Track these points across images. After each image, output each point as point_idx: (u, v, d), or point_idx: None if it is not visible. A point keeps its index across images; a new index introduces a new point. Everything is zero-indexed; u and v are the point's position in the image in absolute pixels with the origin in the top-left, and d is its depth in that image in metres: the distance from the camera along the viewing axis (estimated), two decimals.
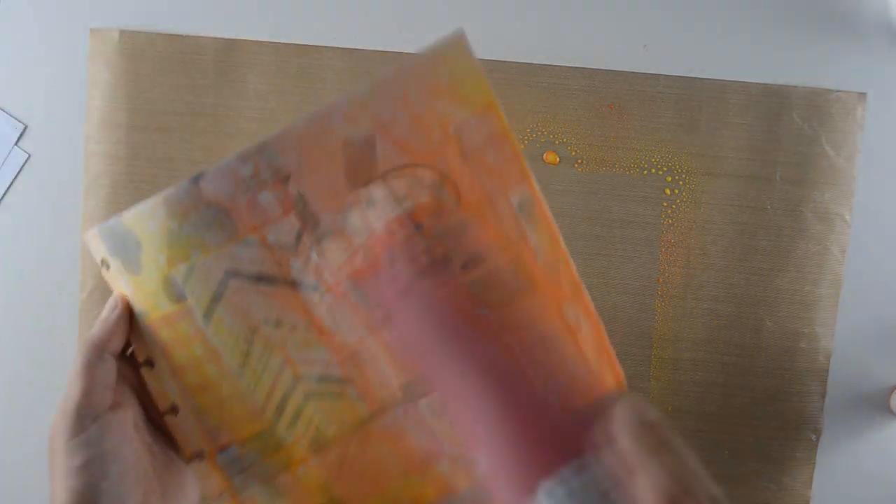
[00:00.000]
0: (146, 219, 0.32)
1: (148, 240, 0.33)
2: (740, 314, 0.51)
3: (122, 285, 0.33)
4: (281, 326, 0.34)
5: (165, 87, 0.50)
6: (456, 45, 0.33)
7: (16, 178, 0.51)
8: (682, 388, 0.51)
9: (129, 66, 0.50)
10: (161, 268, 0.33)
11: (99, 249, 0.33)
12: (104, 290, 0.50)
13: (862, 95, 0.50)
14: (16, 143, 0.51)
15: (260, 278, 0.33)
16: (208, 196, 0.32)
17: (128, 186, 0.50)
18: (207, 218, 0.32)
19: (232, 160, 0.32)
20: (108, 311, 0.33)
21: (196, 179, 0.32)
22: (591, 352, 0.37)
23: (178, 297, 0.33)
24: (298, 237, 0.33)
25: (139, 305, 0.33)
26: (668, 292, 0.51)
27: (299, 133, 0.32)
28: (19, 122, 0.51)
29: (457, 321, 0.34)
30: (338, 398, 0.35)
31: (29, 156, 0.51)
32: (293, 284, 0.33)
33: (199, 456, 0.34)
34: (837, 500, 0.53)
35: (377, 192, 0.33)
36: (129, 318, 0.33)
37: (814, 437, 0.52)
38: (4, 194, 0.51)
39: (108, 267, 0.34)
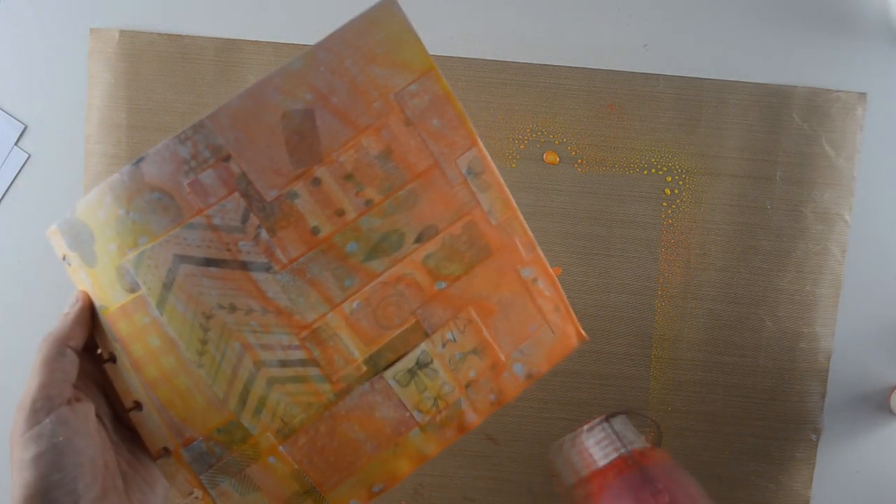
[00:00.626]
0: (95, 207, 0.32)
1: (99, 229, 0.32)
2: (740, 314, 0.51)
3: (83, 279, 0.33)
4: (236, 311, 0.33)
5: (165, 87, 0.50)
6: (387, 10, 0.33)
7: (16, 178, 0.51)
8: (682, 388, 0.51)
9: (129, 66, 0.50)
10: (112, 257, 0.33)
11: (60, 245, 0.33)
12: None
13: (862, 95, 0.50)
14: (16, 143, 0.51)
15: (209, 262, 0.33)
16: (151, 179, 0.32)
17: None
18: (152, 202, 0.32)
19: (170, 141, 0.32)
20: (69, 306, 0.33)
21: (137, 163, 0.32)
22: (550, 311, 0.37)
23: (131, 287, 0.33)
24: (245, 217, 0.33)
25: (98, 299, 0.33)
26: (668, 292, 0.51)
27: (236, 109, 0.32)
28: (19, 122, 0.51)
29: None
30: (301, 382, 0.34)
31: (29, 156, 0.51)
32: (243, 265, 0.33)
33: (165, 452, 0.34)
34: (837, 500, 0.53)
35: (323, 171, 0.33)
36: (90, 312, 0.33)
37: (814, 437, 0.52)
38: (4, 194, 0.51)
39: (69, 262, 0.33)
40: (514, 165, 0.50)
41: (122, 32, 0.50)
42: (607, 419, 0.31)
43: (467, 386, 0.36)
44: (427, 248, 0.34)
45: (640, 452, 0.29)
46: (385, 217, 0.34)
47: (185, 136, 0.32)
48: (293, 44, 0.50)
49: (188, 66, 0.50)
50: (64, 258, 0.34)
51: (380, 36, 0.33)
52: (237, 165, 0.32)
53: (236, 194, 0.32)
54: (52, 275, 0.51)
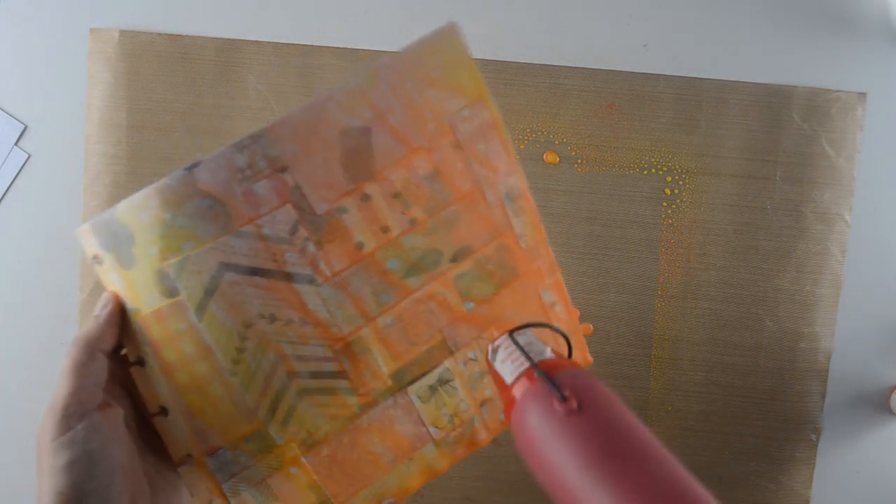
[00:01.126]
0: (139, 210, 0.32)
1: (140, 232, 0.32)
2: (740, 314, 0.51)
3: (114, 281, 0.33)
4: (275, 321, 0.33)
5: (165, 87, 0.50)
6: (448, 37, 0.33)
7: (16, 178, 0.51)
8: (682, 388, 0.51)
9: (129, 66, 0.50)
10: (153, 261, 0.32)
11: (91, 245, 0.33)
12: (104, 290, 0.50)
13: (862, 95, 0.50)
14: (16, 143, 0.51)
15: (254, 271, 0.33)
16: (203, 186, 0.32)
17: (128, 186, 0.50)
18: (202, 208, 0.32)
19: (228, 150, 0.32)
20: (99, 309, 0.33)
21: (191, 169, 0.31)
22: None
23: (170, 292, 0.32)
24: (294, 228, 0.33)
25: (131, 302, 0.33)
26: (668, 292, 0.51)
27: (296, 122, 0.32)
28: (19, 122, 0.51)
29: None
30: (330, 394, 0.35)
31: (29, 156, 0.51)
32: (288, 277, 0.33)
33: (188, 459, 0.34)
34: (837, 500, 0.53)
35: (374, 188, 0.33)
36: (121, 315, 0.33)
37: (814, 437, 0.52)
38: (4, 194, 0.51)
39: (100, 262, 0.33)
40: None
41: (122, 32, 0.50)
42: (510, 335, 0.31)
43: (482, 404, 0.37)
44: (460, 267, 0.35)
45: (545, 363, 0.29)
46: (427, 236, 0.34)
47: (243, 145, 0.32)
48: (293, 44, 0.50)
49: (188, 66, 0.50)
50: (94, 258, 0.33)
51: (440, 60, 0.33)
52: (292, 177, 0.32)
53: (288, 206, 0.33)
54: (52, 275, 0.51)
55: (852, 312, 0.52)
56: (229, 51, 0.50)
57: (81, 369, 0.31)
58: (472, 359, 0.36)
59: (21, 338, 0.52)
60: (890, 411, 0.52)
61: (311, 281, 0.33)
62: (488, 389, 0.37)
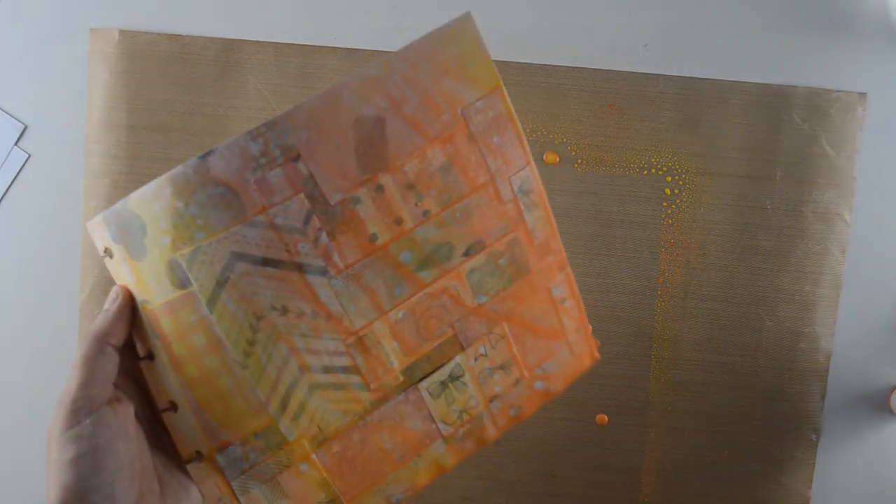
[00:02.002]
0: (151, 200, 0.31)
1: (152, 222, 0.32)
2: (740, 314, 0.51)
3: (125, 273, 0.32)
4: (287, 313, 0.33)
5: (165, 87, 0.50)
6: (463, 27, 0.33)
7: (16, 177, 0.51)
8: (681, 388, 0.51)
9: (129, 65, 0.50)
10: (164, 251, 0.32)
11: (103, 238, 0.32)
12: (104, 288, 0.50)
13: (862, 95, 0.50)
14: (16, 143, 0.51)
15: (267, 262, 0.32)
16: (216, 174, 0.31)
17: (127, 187, 0.50)
18: (214, 197, 0.31)
19: (241, 137, 0.31)
20: (109, 303, 0.32)
21: (204, 157, 0.31)
22: (572, 331, 0.38)
23: (181, 283, 0.32)
24: (307, 219, 0.32)
25: (141, 294, 0.32)
26: (668, 292, 0.51)
27: (310, 110, 0.31)
28: (19, 121, 0.51)
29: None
30: (342, 389, 0.34)
31: (29, 156, 0.51)
32: (300, 268, 0.32)
33: (197, 456, 0.33)
34: (837, 500, 0.53)
35: (387, 179, 0.33)
36: (132, 309, 0.32)
37: (814, 437, 0.52)
38: (4, 194, 0.51)
39: (111, 256, 0.33)
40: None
41: (122, 32, 0.50)
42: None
43: (491, 400, 0.36)
44: (473, 261, 0.35)
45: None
46: (440, 228, 0.34)
47: (256, 133, 0.31)
48: (293, 44, 0.50)
49: (188, 67, 0.50)
50: (105, 251, 0.33)
51: (454, 50, 0.33)
52: (305, 166, 0.32)
53: (301, 195, 0.32)
54: (52, 275, 0.51)
55: (852, 312, 0.52)
56: (229, 51, 0.50)
57: (91, 363, 0.30)
58: (482, 354, 0.36)
59: (21, 338, 0.52)
60: (890, 411, 0.52)
61: (324, 273, 0.33)
62: (498, 385, 0.36)
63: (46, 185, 0.51)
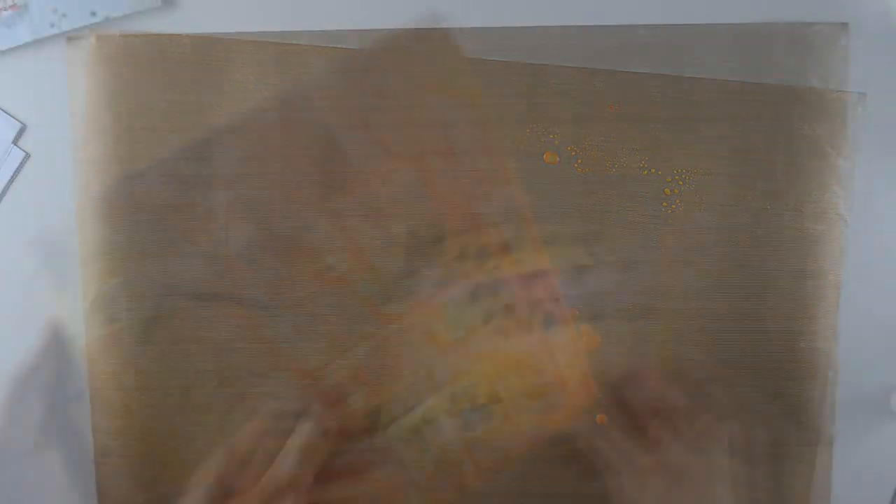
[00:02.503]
0: (80, 225, 0.28)
1: (80, 250, 0.28)
2: (740, 314, 0.51)
3: (54, 304, 0.29)
4: (229, 352, 0.28)
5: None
6: (443, 38, 0.31)
7: (14, 177, 0.51)
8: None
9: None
10: (93, 282, 0.28)
11: (31, 262, 0.29)
12: (107, 297, 0.50)
13: (862, 95, 0.50)
14: (14, 143, 0.51)
15: (204, 296, 0.28)
16: (147, 199, 0.28)
17: (117, 190, 0.50)
18: (145, 223, 0.28)
19: (172, 157, 0.27)
20: (34, 339, 0.29)
21: (130, 179, 0.27)
22: (566, 366, 0.36)
23: (111, 318, 0.29)
24: (251, 246, 0.28)
25: (71, 329, 0.29)
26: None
27: (263, 123, 0.28)
28: (17, 120, 0.50)
29: None
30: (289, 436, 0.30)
31: (27, 155, 0.51)
32: (242, 302, 0.28)
33: None
34: (837, 500, 0.52)
35: (348, 202, 0.29)
36: (61, 344, 0.29)
37: (814, 437, 0.52)
38: (2, 194, 0.51)
39: (40, 282, 0.29)
40: (513, 165, 0.50)
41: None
42: None
43: (472, 444, 0.32)
44: (448, 293, 0.31)
45: None
46: (406, 258, 0.30)
47: (192, 151, 0.28)
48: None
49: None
50: (35, 275, 0.30)
51: (433, 64, 0.30)
52: (250, 188, 0.28)
53: (245, 221, 0.28)
54: (52, 275, 0.51)
55: (852, 312, 0.52)
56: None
57: (10, 409, 0.28)
58: (460, 394, 0.32)
59: (20, 338, 0.52)
60: (890, 411, 0.52)
61: (269, 307, 0.29)
62: (479, 427, 0.32)
63: (45, 184, 0.51)
